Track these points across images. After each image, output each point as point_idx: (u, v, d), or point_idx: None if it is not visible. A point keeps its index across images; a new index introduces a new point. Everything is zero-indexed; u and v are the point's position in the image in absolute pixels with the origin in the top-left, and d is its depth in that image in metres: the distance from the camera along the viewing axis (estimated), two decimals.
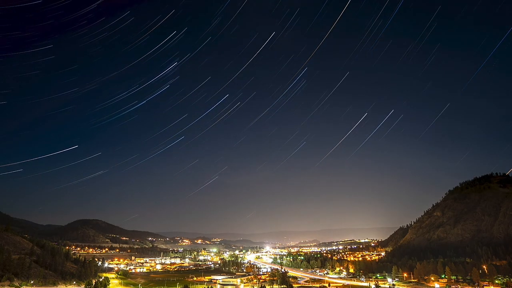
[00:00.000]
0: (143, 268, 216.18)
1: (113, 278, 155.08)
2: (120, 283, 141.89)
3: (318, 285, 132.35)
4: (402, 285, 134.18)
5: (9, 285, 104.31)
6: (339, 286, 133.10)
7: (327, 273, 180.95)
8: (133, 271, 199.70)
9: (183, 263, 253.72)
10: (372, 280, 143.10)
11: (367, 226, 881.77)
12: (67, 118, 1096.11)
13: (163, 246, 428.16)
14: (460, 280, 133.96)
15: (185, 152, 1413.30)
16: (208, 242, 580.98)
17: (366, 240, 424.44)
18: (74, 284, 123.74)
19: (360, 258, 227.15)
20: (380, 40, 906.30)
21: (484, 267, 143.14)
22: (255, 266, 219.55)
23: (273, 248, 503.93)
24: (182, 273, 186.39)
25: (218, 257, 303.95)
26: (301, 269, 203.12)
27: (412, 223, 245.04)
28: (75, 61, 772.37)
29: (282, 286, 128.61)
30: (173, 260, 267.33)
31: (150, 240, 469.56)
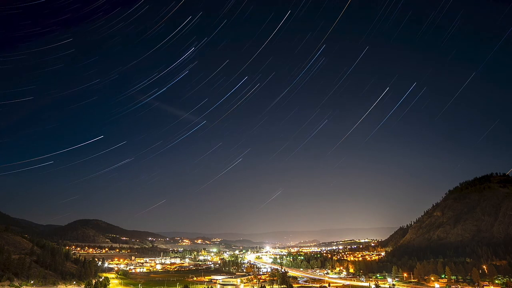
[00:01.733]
0: (143, 268, 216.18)
1: (113, 278, 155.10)
2: (120, 283, 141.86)
3: (318, 285, 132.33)
4: (402, 285, 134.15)
5: (9, 285, 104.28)
6: (339, 286, 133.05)
7: (327, 273, 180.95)
8: (133, 271, 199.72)
9: (183, 263, 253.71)
10: (372, 280, 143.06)
11: (367, 226, 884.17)
12: (91, 109, 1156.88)
13: (163, 246, 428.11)
14: (460, 280, 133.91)
15: (208, 136, 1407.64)
16: (208, 242, 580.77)
17: (366, 240, 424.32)
18: (74, 284, 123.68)
19: (360, 258, 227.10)
20: (400, 11, 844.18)
21: (484, 267, 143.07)
22: (255, 266, 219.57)
23: (273, 248, 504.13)
24: (182, 273, 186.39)
25: (218, 257, 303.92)
26: (301, 269, 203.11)
27: (412, 223, 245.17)
28: (95, 52, 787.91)
29: (282, 286, 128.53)
30: (173, 260, 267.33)
31: (150, 240, 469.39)
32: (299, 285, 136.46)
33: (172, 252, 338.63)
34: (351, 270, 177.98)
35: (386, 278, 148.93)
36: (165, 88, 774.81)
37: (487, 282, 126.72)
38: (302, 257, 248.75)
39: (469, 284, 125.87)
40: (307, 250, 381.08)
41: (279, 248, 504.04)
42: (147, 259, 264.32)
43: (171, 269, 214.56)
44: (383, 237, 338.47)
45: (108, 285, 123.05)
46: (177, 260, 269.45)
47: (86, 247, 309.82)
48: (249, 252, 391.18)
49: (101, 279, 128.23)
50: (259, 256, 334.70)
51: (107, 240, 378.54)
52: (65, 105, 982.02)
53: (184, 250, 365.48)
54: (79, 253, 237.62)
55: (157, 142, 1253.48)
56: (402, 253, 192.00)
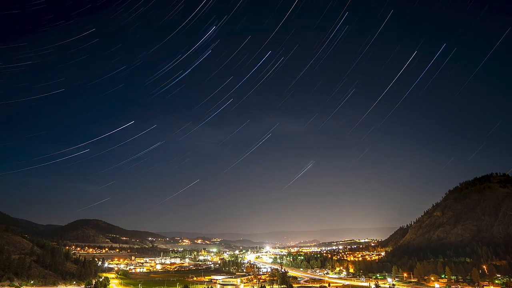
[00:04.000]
0: (143, 268, 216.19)
1: (113, 278, 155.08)
2: (120, 283, 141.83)
3: (318, 285, 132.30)
4: (402, 285, 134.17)
5: (9, 285, 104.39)
6: (339, 286, 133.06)
7: (327, 273, 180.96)
8: (133, 271, 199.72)
9: (183, 263, 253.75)
10: (372, 280, 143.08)
11: (367, 226, 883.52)
12: (119, 96, 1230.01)
13: (163, 246, 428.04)
14: (460, 280, 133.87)
15: (235, 114, 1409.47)
16: (208, 242, 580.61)
17: (366, 240, 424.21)
18: (74, 284, 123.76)
19: (360, 258, 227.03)
20: None
21: (484, 267, 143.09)
22: (255, 266, 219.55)
23: (273, 248, 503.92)
24: (182, 273, 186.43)
25: (218, 257, 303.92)
26: (301, 269, 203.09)
27: (412, 223, 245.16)
28: (118, 40, 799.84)
29: (282, 286, 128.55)
30: (173, 260, 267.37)
31: (150, 240, 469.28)
32: (299, 285, 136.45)
33: (172, 252, 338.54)
34: (351, 270, 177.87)
35: (386, 278, 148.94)
36: (189, 69, 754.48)
37: (487, 282, 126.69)
38: (302, 257, 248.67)
39: (469, 284, 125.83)
40: (307, 250, 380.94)
41: (279, 248, 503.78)
42: (147, 259, 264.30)
43: (171, 269, 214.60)
44: (383, 237, 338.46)
45: (108, 285, 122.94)
46: (177, 260, 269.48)
47: (86, 247, 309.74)
48: (249, 252, 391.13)
49: (101, 279, 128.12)
50: (259, 256, 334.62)
51: (107, 240, 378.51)
52: (95, 94, 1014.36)
53: (184, 250, 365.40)
54: (79, 253, 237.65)
55: (187, 123, 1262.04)
56: (402, 253, 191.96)
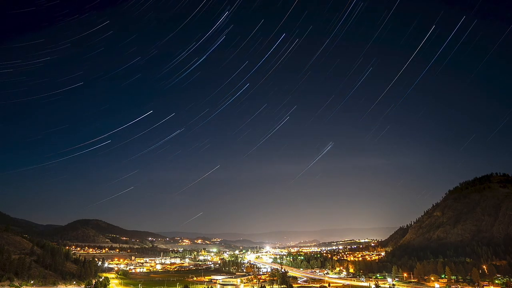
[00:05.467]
0: (143, 268, 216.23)
1: (113, 278, 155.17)
2: (120, 283, 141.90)
3: (318, 285, 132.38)
4: (402, 285, 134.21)
5: (9, 285, 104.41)
6: (339, 286, 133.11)
7: (327, 273, 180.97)
8: (133, 271, 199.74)
9: (183, 263, 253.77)
10: (372, 280, 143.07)
11: (367, 226, 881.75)
12: (137, 86, 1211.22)
13: (163, 246, 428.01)
14: (460, 280, 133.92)
15: (252, 99, 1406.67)
16: (208, 242, 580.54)
17: (366, 240, 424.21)
18: (74, 284, 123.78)
19: (360, 258, 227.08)
20: None
21: (484, 267, 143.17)
22: (255, 266, 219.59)
23: (273, 248, 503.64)
24: (182, 273, 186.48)
25: (218, 257, 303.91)
26: (301, 269, 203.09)
27: (412, 223, 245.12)
28: (132, 31, 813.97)
29: (282, 286, 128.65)
30: (173, 260, 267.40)
31: (150, 240, 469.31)
32: (299, 285, 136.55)
33: (172, 252, 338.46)
34: (351, 270, 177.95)
35: (386, 278, 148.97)
36: (204, 56, 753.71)
37: (487, 282, 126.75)
38: (302, 257, 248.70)
39: (469, 284, 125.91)
40: (307, 250, 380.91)
41: (279, 248, 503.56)
42: (147, 259, 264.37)
43: (171, 269, 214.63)
44: (383, 237, 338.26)
45: (108, 285, 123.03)
46: (177, 260, 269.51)
47: (86, 247, 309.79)
48: (249, 252, 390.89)
49: (101, 279, 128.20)
50: (259, 256, 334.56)
51: (107, 240, 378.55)
52: (113, 86, 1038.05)
53: (184, 250, 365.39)
54: (79, 253, 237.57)
55: (204, 110, 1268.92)
56: (402, 253, 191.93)
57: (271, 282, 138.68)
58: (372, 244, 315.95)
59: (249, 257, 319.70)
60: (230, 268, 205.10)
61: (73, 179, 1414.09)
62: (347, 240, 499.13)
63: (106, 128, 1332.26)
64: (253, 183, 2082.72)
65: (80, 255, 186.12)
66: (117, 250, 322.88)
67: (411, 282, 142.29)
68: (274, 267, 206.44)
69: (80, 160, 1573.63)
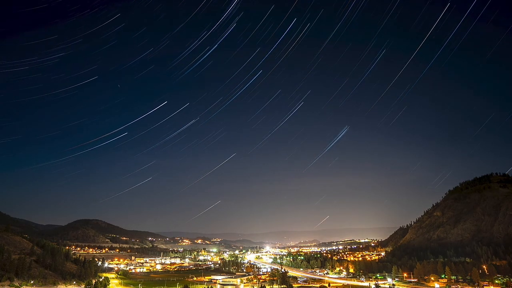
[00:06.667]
0: (143, 268, 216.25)
1: (113, 278, 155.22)
2: (120, 283, 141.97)
3: (318, 285, 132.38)
4: (402, 285, 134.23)
5: (9, 285, 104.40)
6: (339, 286, 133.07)
7: (327, 273, 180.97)
8: (133, 271, 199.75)
9: (183, 263, 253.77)
10: (372, 280, 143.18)
11: (367, 226, 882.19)
12: (150, 78, 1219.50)
13: (163, 246, 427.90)
14: (460, 280, 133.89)
15: (266, 86, 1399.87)
16: (208, 242, 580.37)
17: (366, 240, 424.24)
18: (74, 284, 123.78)
19: (360, 258, 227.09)
20: None
21: (484, 267, 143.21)
22: (255, 266, 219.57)
23: (273, 248, 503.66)
24: (182, 273, 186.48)
25: (218, 257, 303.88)
26: (301, 269, 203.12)
27: (412, 223, 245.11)
28: (143, 23, 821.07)
29: (282, 286, 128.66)
30: (173, 260, 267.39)
31: (150, 240, 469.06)
32: (299, 285, 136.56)
33: (172, 252, 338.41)
34: (351, 270, 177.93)
35: (386, 278, 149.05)
36: (216, 45, 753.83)
37: (487, 282, 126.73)
38: (302, 257, 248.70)
39: (469, 284, 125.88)
40: (307, 250, 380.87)
41: (279, 248, 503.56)
42: (147, 259, 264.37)
43: (171, 269, 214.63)
44: (383, 237, 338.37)
45: (108, 285, 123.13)
46: (177, 260, 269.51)
47: (86, 247, 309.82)
48: (249, 252, 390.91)
49: (101, 279, 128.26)
50: (259, 256, 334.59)
51: (107, 240, 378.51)
52: (127, 78, 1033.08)
53: (184, 250, 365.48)
54: (79, 253, 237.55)
55: (218, 99, 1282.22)
56: (402, 253, 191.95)
57: (271, 282, 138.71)
58: (372, 244, 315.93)
59: (249, 257, 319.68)
60: (230, 268, 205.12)
61: (73, 179, 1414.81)
62: (347, 240, 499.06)
63: (122, 120, 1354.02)
64: (260, 177, 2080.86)
65: (80, 255, 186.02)
66: (117, 250, 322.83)
67: (411, 282, 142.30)
68: (274, 267, 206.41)
69: (86, 157, 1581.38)
